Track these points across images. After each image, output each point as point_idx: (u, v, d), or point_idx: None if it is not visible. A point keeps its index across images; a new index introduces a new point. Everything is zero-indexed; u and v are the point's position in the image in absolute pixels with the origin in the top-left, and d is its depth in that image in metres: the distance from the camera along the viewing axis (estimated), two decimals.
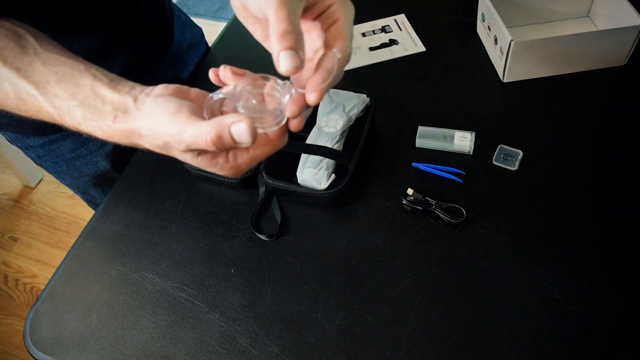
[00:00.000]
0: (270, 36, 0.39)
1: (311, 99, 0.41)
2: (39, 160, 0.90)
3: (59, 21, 0.53)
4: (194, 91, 0.47)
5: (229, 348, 0.65)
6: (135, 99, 0.47)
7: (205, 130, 0.41)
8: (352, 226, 0.74)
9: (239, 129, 0.40)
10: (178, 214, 0.78)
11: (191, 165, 0.78)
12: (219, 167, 0.46)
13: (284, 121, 0.43)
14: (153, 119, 0.44)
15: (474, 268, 0.68)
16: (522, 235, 0.71)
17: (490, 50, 0.92)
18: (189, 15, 1.06)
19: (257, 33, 0.50)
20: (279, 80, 0.44)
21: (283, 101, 0.43)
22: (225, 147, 0.42)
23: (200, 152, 0.45)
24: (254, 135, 0.41)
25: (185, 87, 0.47)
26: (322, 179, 0.73)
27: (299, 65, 0.39)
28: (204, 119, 0.43)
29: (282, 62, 0.39)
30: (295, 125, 0.43)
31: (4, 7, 0.54)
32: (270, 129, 0.43)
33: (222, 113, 0.45)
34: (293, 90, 0.42)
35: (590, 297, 0.65)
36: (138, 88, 0.48)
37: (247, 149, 0.46)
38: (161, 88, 0.46)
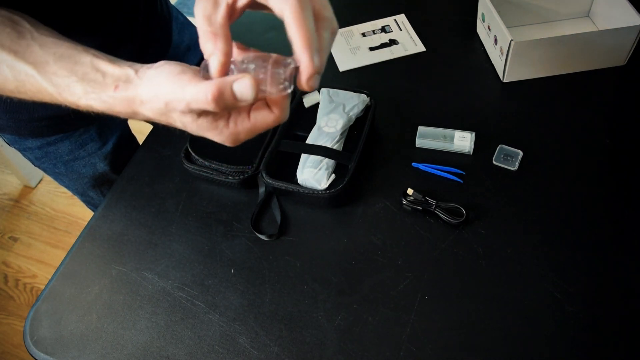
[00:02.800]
0: (296, 41, 0.43)
1: (317, 62, 0.44)
2: (37, 162, 0.90)
3: (56, 22, 0.53)
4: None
5: (229, 348, 0.65)
6: (137, 71, 0.47)
7: (206, 88, 0.42)
8: (352, 226, 0.74)
9: (241, 84, 0.42)
10: (178, 214, 0.78)
11: (191, 165, 0.78)
12: (218, 131, 0.46)
13: (288, 90, 0.44)
14: (155, 82, 0.45)
15: (474, 268, 0.68)
16: (522, 235, 0.71)
17: (490, 50, 0.92)
18: (188, 16, 1.06)
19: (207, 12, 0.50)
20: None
21: (287, 70, 0.44)
22: (226, 104, 0.42)
23: (200, 113, 0.45)
24: (256, 92, 0.42)
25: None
26: (322, 179, 0.73)
27: (318, 67, 0.44)
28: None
29: (312, 81, 0.44)
30: (309, 83, 0.44)
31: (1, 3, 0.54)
32: (275, 92, 0.44)
33: None
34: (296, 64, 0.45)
35: (590, 297, 0.65)
36: (138, 64, 0.49)
37: (248, 115, 0.46)
38: (164, 62, 0.47)
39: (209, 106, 0.42)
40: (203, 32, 0.45)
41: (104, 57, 0.49)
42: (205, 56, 0.46)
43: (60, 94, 0.50)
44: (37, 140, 0.85)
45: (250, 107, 0.46)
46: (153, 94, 0.45)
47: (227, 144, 0.47)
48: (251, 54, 0.46)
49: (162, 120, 0.47)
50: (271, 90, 0.44)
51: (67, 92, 0.49)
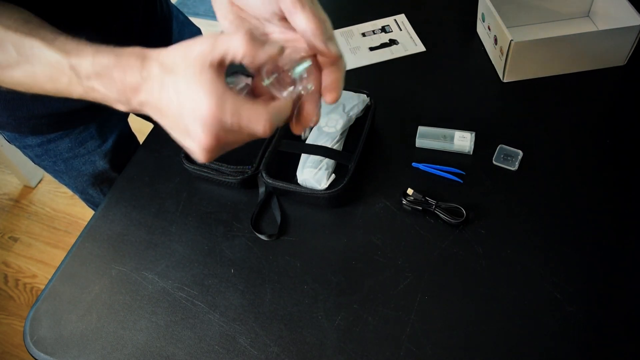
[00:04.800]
0: (312, 32, 0.46)
1: (328, 99, 0.48)
2: (37, 160, 0.90)
3: (54, 21, 0.53)
4: None
5: (229, 348, 0.65)
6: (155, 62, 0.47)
7: (240, 35, 0.43)
8: (352, 226, 0.74)
9: (271, 45, 0.44)
10: (178, 214, 0.78)
11: (191, 165, 0.78)
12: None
13: (292, 95, 0.47)
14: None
15: (474, 268, 0.68)
16: (522, 235, 0.71)
17: (490, 50, 0.92)
18: (188, 16, 1.06)
19: (225, 24, 0.53)
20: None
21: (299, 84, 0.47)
22: (255, 48, 0.43)
23: (221, 62, 0.44)
24: (282, 50, 0.44)
25: None
26: (322, 179, 0.73)
27: (339, 54, 0.47)
28: None
29: (332, 48, 0.47)
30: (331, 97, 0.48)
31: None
32: (282, 92, 0.46)
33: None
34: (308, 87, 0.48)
35: (590, 297, 0.65)
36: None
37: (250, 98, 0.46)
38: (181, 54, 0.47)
39: (241, 44, 0.42)
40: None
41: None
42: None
43: (69, 58, 0.48)
44: (37, 137, 0.85)
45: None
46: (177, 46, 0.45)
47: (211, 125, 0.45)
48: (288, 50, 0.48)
49: (166, 74, 0.45)
50: (282, 90, 0.46)
51: (76, 55, 0.48)
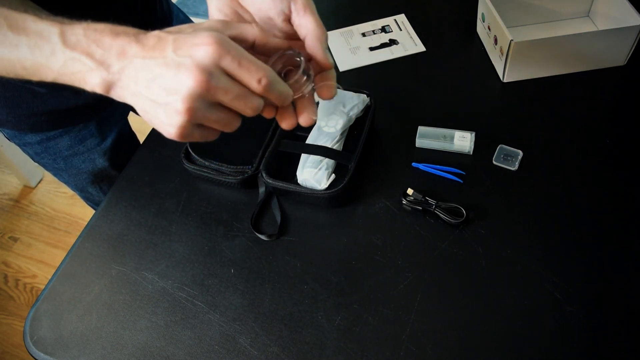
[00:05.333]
0: (311, 38, 0.49)
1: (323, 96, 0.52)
2: (37, 158, 0.90)
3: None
4: None
5: (229, 348, 0.65)
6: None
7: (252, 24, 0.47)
8: (352, 226, 0.74)
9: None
10: (178, 214, 0.78)
11: (191, 165, 0.78)
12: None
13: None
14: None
15: (474, 268, 0.68)
16: (522, 235, 0.71)
17: (490, 50, 0.92)
18: (188, 16, 1.06)
19: (218, 16, 0.56)
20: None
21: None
22: (266, 35, 0.46)
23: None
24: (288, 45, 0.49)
25: None
26: (322, 179, 0.73)
27: (331, 64, 0.51)
28: None
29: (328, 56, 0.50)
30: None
31: None
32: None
33: None
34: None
35: (590, 297, 0.65)
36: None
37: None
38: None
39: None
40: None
41: None
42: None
43: (61, 25, 0.47)
44: (36, 135, 0.85)
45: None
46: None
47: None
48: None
49: (156, 47, 0.44)
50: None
51: (69, 23, 0.47)
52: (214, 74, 0.42)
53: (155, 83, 0.43)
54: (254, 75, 0.43)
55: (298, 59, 0.49)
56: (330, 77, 0.52)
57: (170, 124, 0.44)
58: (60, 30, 0.46)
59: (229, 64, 0.42)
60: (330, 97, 0.51)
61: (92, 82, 0.46)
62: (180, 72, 0.42)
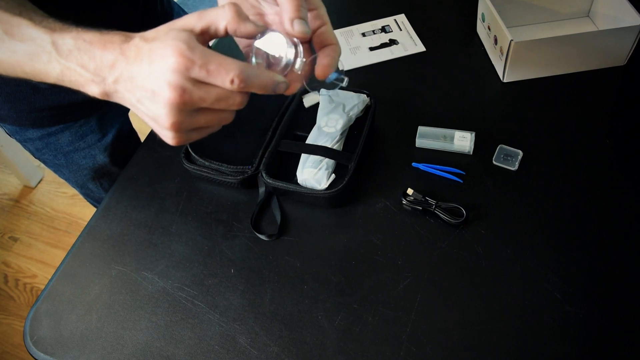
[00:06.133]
0: (284, 9, 0.48)
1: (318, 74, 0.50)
2: (38, 154, 0.90)
3: (52, 16, 0.53)
4: None
5: (229, 348, 0.65)
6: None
7: (227, 6, 0.45)
8: (352, 226, 0.74)
9: (252, 23, 0.46)
10: (178, 214, 0.78)
11: (191, 165, 0.78)
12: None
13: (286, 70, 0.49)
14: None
15: (474, 268, 0.68)
16: (522, 235, 0.71)
17: (490, 50, 0.92)
18: None
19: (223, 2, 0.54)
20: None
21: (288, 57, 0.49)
22: (239, 20, 0.44)
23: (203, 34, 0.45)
24: (262, 29, 0.46)
25: None
26: (322, 179, 0.73)
27: (307, 33, 0.48)
28: None
29: (297, 26, 0.48)
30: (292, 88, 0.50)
31: None
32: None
33: None
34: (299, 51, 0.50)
35: (590, 297, 0.65)
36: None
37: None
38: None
39: (227, 15, 0.44)
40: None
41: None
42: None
43: (52, 34, 0.48)
44: (37, 130, 0.85)
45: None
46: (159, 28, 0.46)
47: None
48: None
49: (142, 48, 0.45)
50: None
51: (60, 31, 0.48)
52: (186, 88, 0.43)
53: (141, 103, 0.45)
54: (225, 77, 0.43)
55: (280, 40, 0.49)
56: (324, 58, 0.50)
57: (164, 136, 0.47)
58: (52, 40, 0.47)
59: (197, 73, 0.43)
60: (322, 77, 0.51)
61: (91, 91, 0.48)
62: (156, 96, 0.44)
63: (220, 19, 0.44)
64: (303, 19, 0.48)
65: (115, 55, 0.45)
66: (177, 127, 0.45)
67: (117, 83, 0.46)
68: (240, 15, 0.44)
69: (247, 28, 0.45)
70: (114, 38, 0.46)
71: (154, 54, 0.43)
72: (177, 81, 0.42)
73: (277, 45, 0.49)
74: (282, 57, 0.49)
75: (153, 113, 0.45)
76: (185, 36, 0.43)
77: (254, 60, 0.48)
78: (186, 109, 0.44)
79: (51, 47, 0.47)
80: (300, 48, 0.50)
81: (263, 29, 0.47)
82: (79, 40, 0.46)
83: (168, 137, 0.46)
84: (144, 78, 0.44)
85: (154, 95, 0.44)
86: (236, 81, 0.43)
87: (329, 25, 0.52)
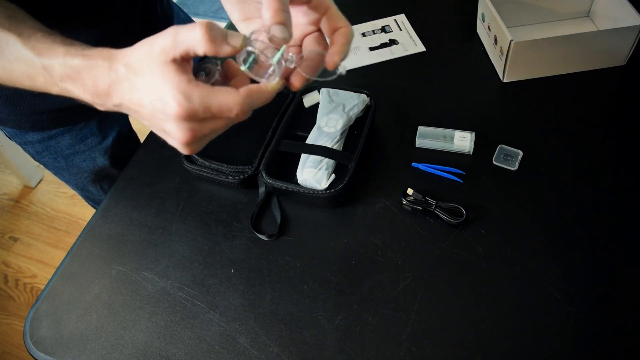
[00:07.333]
0: (264, 12, 0.45)
1: (335, 59, 0.49)
2: (38, 156, 0.90)
3: (51, 19, 0.53)
4: None
5: (229, 348, 0.65)
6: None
7: (197, 31, 0.42)
8: (352, 226, 0.74)
9: (233, 36, 0.43)
10: (178, 214, 0.78)
11: (191, 165, 0.78)
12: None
13: (274, 79, 0.47)
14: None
15: (474, 268, 0.68)
16: (522, 235, 0.71)
17: (490, 50, 0.92)
18: (189, 15, 1.06)
19: (234, 15, 0.55)
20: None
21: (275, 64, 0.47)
22: (214, 43, 0.42)
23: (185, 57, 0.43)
24: (245, 41, 0.44)
25: None
26: (322, 179, 0.73)
27: (288, 38, 0.45)
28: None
29: (275, 32, 0.45)
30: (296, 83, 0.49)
31: None
32: (264, 77, 0.47)
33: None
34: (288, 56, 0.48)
35: (590, 297, 0.65)
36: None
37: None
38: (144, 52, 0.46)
39: (203, 40, 0.41)
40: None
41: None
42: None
43: (41, 58, 0.48)
44: (37, 133, 0.85)
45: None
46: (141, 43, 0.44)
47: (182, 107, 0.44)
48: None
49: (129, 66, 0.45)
50: (264, 77, 0.47)
51: (48, 56, 0.47)
52: (195, 129, 0.44)
53: (151, 125, 0.46)
54: (228, 115, 0.44)
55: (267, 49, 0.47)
56: (334, 47, 0.49)
57: (177, 148, 0.47)
58: (42, 65, 0.48)
59: (201, 117, 0.44)
60: (333, 67, 0.49)
61: (96, 108, 0.49)
62: (167, 135, 0.46)
63: (195, 44, 0.42)
64: (282, 23, 0.45)
65: (107, 84, 0.45)
66: (190, 145, 0.46)
67: (121, 108, 0.47)
68: (214, 38, 0.41)
69: (226, 50, 0.43)
70: (98, 63, 0.46)
71: (152, 97, 0.43)
72: (185, 127, 0.44)
73: (265, 49, 0.47)
74: (271, 63, 0.47)
75: (168, 141, 0.47)
76: (176, 81, 0.42)
77: (243, 67, 0.46)
78: (199, 138, 0.46)
79: (44, 72, 0.48)
80: (284, 47, 0.47)
81: (245, 43, 0.44)
82: (67, 68, 0.47)
83: (181, 149, 0.47)
84: (150, 117, 0.45)
85: (166, 134, 0.46)
86: (240, 114, 0.44)
87: (334, 8, 0.51)
